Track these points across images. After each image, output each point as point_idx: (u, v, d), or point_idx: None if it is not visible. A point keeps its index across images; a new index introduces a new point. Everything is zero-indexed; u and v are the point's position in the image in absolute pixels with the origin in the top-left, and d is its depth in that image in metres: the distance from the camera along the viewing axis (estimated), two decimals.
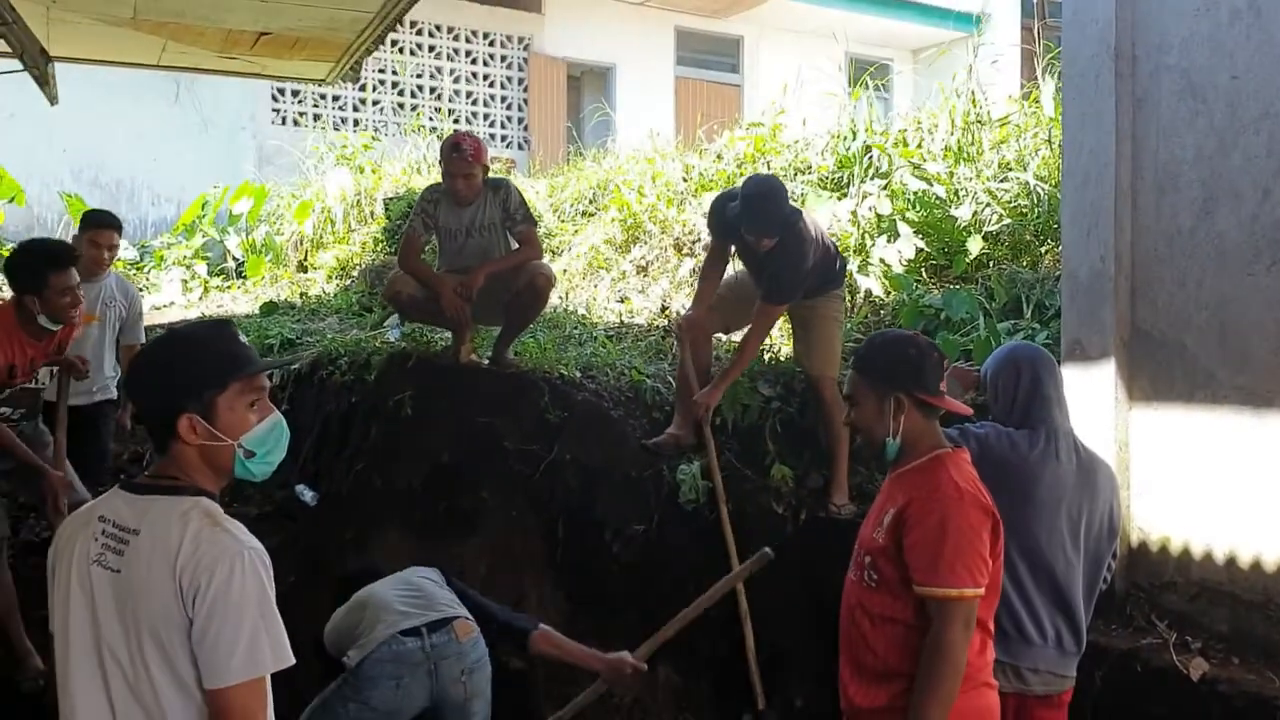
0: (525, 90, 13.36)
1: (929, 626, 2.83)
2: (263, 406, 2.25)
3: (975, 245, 6.27)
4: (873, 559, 2.97)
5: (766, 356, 5.61)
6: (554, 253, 8.15)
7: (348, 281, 8.52)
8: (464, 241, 5.22)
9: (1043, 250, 6.28)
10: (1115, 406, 4.06)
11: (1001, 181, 6.71)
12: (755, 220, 4.63)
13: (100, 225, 5.31)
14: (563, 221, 8.69)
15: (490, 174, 5.35)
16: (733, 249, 5.06)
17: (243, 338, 2.30)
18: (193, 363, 2.20)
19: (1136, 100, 4.07)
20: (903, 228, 6.44)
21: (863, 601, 3.00)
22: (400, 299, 5.23)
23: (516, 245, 5.24)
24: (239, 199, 10.02)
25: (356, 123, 12.08)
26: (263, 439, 2.23)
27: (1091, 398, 4.11)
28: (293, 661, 2.12)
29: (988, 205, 6.53)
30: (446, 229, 5.24)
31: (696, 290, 5.19)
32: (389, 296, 5.39)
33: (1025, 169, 6.69)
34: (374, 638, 3.52)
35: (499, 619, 3.86)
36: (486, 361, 5.38)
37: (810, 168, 7.42)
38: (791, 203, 4.88)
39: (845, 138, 7.33)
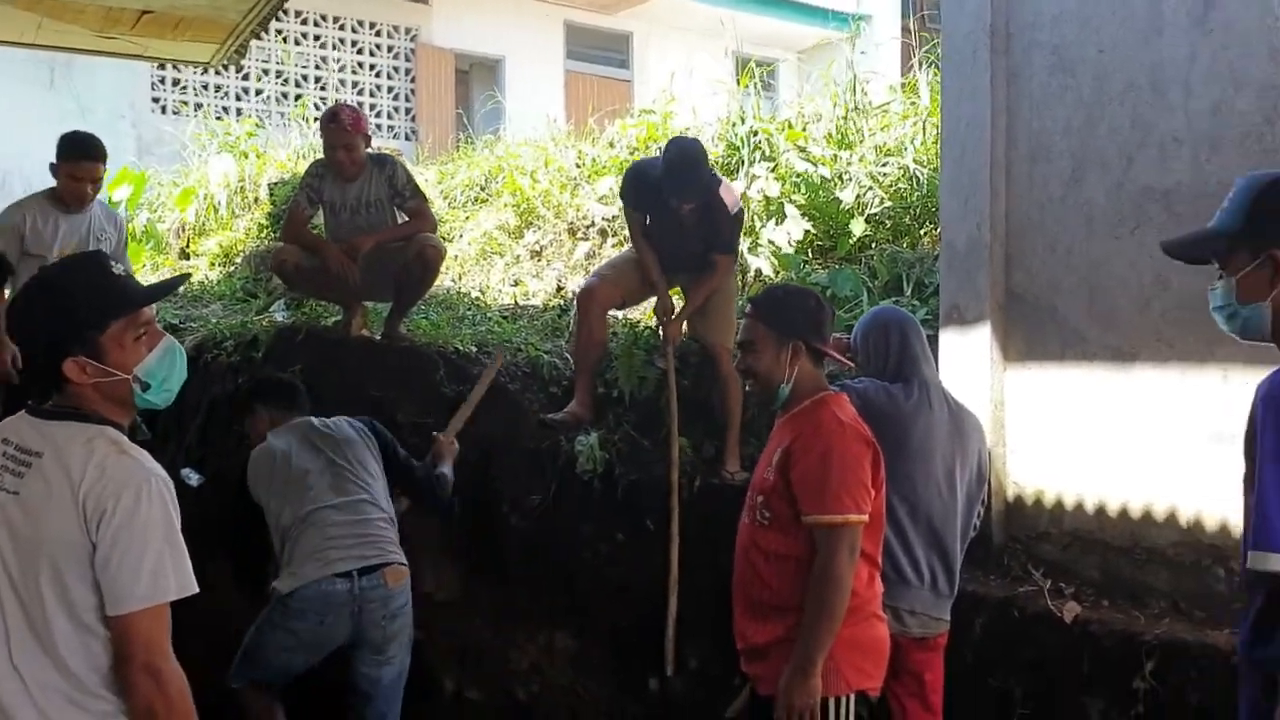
0: (413, 81, 13.27)
1: None
2: (151, 336, 2.24)
3: (858, 227, 6.47)
4: (765, 498, 3.10)
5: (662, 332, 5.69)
6: (446, 239, 8.09)
7: (232, 268, 8.34)
8: (350, 218, 5.18)
9: (922, 232, 6.50)
10: (991, 367, 4.25)
11: (882, 166, 6.93)
12: (679, 184, 4.70)
13: (80, 157, 4.84)
14: (453, 208, 8.66)
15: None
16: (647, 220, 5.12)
17: (117, 268, 2.27)
18: (68, 306, 2.18)
19: (1010, 75, 4.27)
20: (790, 210, 6.61)
21: (756, 540, 3.12)
22: (286, 268, 5.17)
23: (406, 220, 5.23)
24: (118, 186, 9.70)
25: (239, 112, 11.83)
26: (154, 369, 2.23)
27: (968, 359, 4.29)
28: (196, 590, 2.13)
29: (870, 189, 6.73)
30: (332, 205, 5.20)
31: (642, 261, 5.14)
32: (275, 267, 5.32)
33: (904, 154, 6.92)
34: (306, 573, 3.67)
35: (421, 483, 4.21)
36: (379, 336, 5.35)
37: None
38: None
39: (734, 123, 7.47)
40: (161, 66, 11.24)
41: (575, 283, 6.85)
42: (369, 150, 5.21)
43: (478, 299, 6.87)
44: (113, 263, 2.29)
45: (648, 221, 5.08)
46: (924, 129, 7.06)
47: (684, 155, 4.72)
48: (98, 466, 2.07)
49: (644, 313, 5.93)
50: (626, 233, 6.94)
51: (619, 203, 7.25)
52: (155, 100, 11.63)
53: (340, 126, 5.06)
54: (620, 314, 5.76)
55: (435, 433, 4.53)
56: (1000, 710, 3.85)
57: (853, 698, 2.99)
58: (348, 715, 3.88)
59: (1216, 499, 3.64)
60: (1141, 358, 3.85)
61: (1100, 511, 3.96)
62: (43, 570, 2.05)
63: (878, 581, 3.15)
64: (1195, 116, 3.69)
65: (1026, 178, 4.21)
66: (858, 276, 6.04)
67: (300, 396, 4.27)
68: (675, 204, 4.76)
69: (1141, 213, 3.85)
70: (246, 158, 9.41)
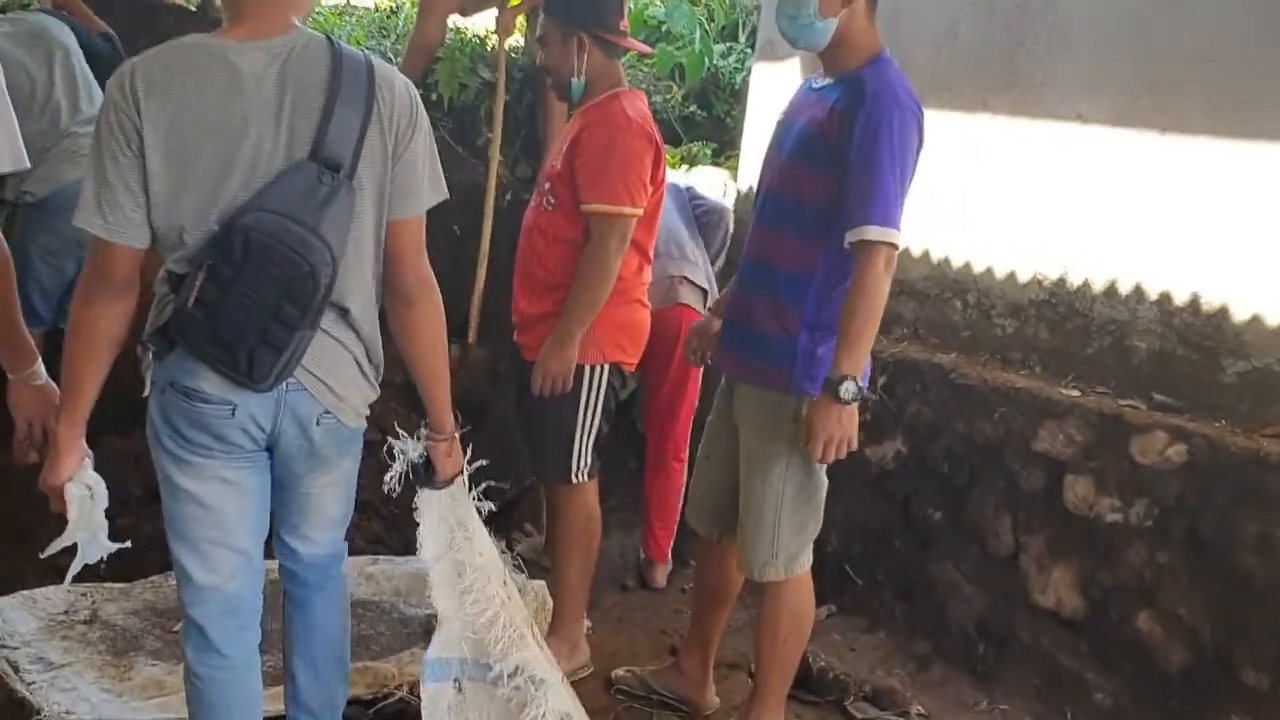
0: None
1: None
2: None
3: None
4: (551, 184, 3.24)
5: (490, 43, 5.64)
6: None
7: None
8: None
9: None
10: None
11: None
12: None
13: None
14: None
15: None
16: None
17: None
18: None
19: None
20: None
21: (539, 223, 3.27)
22: None
23: None
24: None
25: None
26: None
27: (778, 91, 4.46)
28: (28, 164, 2.35)
29: None
30: None
31: None
32: None
33: None
34: (62, 175, 3.68)
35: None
36: (193, 7, 5.18)
37: None
38: None
39: None
40: None
41: None
42: None
43: None
44: None
45: None
46: None
47: None
48: None
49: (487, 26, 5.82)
50: None
51: None
52: None
53: None
54: (459, 20, 5.66)
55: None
56: None
57: (607, 367, 3.26)
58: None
59: (963, 240, 3.99)
60: (927, 104, 4.06)
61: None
62: None
63: (646, 272, 3.38)
64: None
65: None
66: (694, 16, 6.09)
67: None
68: None
69: None
70: None
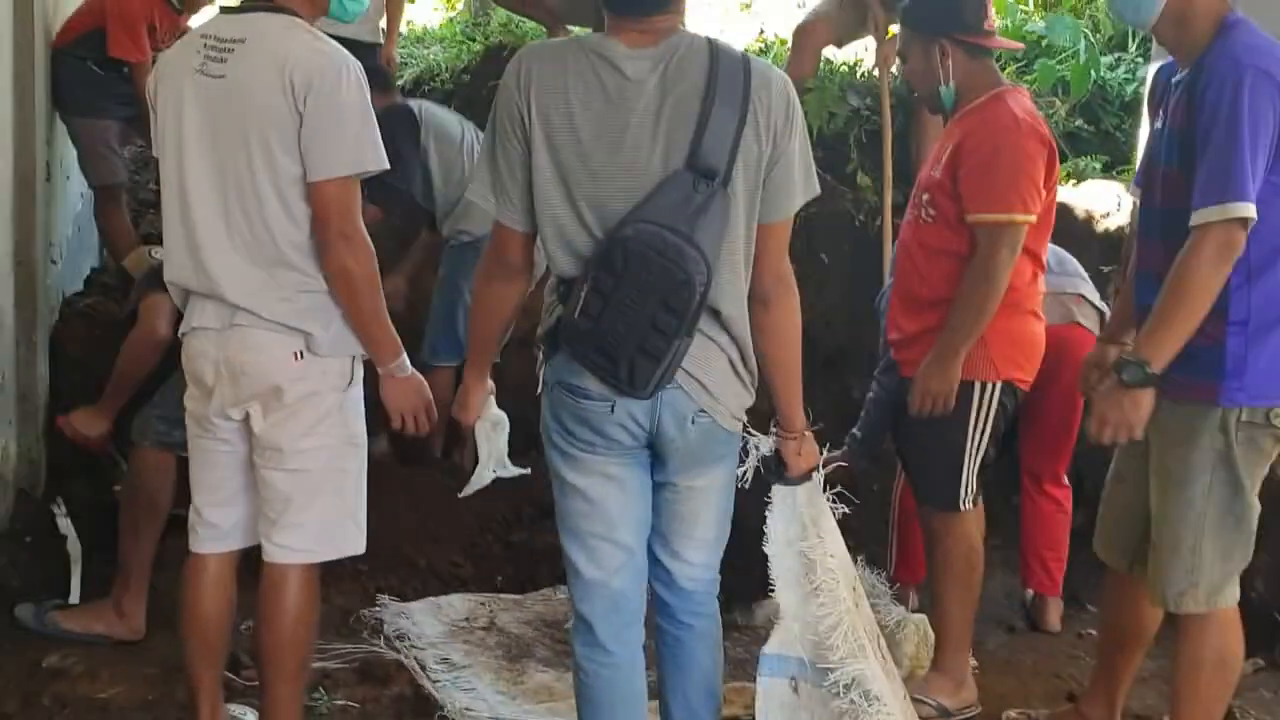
0: None
1: None
2: None
3: None
4: (930, 195, 3.08)
5: (859, 71, 5.59)
6: None
7: (454, 11, 8.59)
8: None
9: None
10: None
11: None
12: None
13: None
14: None
15: None
16: None
17: None
18: None
19: None
20: None
21: (918, 236, 3.13)
22: None
23: None
24: None
25: None
26: None
27: None
28: (387, 166, 2.39)
29: None
30: None
31: None
32: None
33: None
34: (479, 216, 3.84)
35: None
36: None
37: None
38: None
39: None
40: None
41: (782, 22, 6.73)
42: None
43: None
44: None
45: None
46: None
47: None
48: (300, 47, 2.28)
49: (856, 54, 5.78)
50: None
51: None
52: None
53: None
54: (832, 52, 5.64)
55: None
56: None
57: (999, 385, 3.03)
58: None
59: None
60: None
61: None
62: (253, 143, 2.29)
63: (1040, 281, 3.14)
64: None
65: None
66: (1078, 28, 5.74)
67: None
68: None
69: None
70: None
